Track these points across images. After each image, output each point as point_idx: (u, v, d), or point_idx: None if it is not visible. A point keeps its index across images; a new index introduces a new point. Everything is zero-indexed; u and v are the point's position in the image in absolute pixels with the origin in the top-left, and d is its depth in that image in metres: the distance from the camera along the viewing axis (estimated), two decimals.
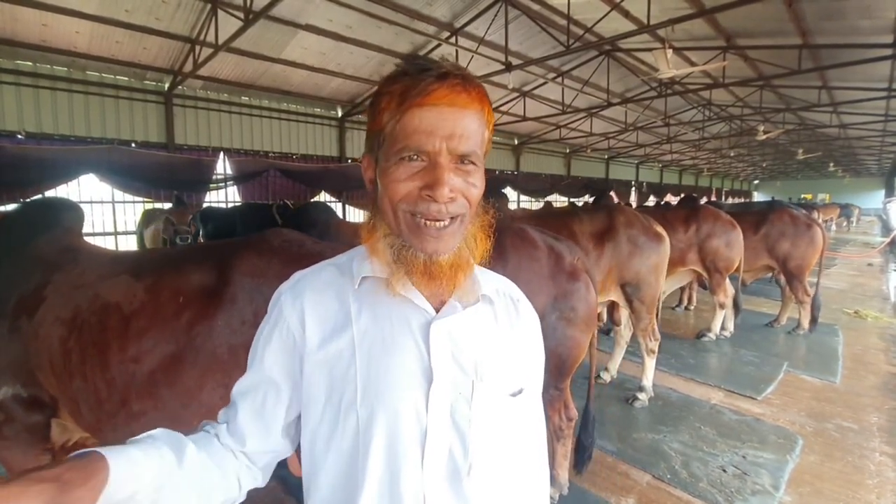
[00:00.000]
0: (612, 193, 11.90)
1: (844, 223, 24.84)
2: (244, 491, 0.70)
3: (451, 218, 0.64)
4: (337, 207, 10.10)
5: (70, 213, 1.97)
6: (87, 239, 2.00)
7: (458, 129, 0.62)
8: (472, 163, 0.65)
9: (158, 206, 7.62)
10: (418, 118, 0.62)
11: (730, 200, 30.96)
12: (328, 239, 3.43)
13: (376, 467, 0.63)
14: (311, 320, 0.69)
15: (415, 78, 0.62)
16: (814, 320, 5.33)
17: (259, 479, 0.73)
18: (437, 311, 0.69)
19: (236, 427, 0.70)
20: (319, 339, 0.69)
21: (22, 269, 1.70)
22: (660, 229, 3.62)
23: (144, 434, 0.60)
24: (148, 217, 6.62)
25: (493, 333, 0.73)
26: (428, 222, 0.63)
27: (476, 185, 0.66)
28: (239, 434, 0.70)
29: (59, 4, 5.88)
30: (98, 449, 0.52)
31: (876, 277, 9.60)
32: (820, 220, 6.99)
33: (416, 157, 0.63)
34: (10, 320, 1.60)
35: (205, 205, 8.26)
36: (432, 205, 0.62)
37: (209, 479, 0.64)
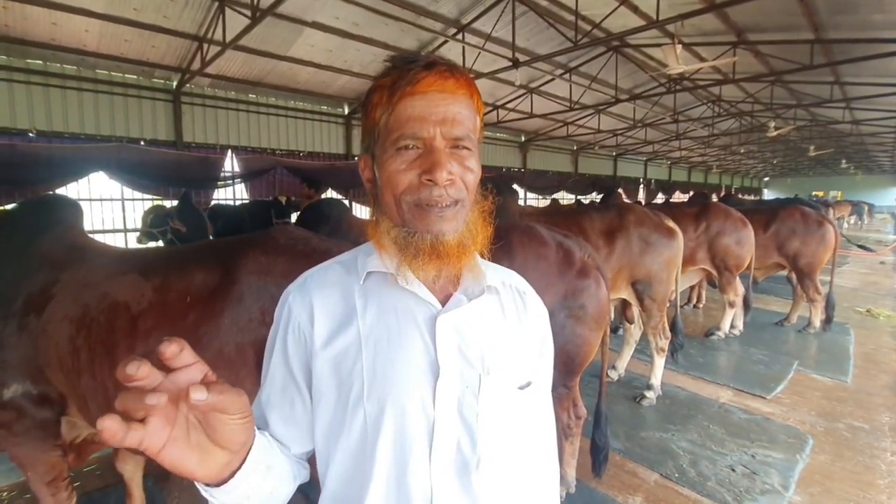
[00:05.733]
0: (620, 191, 11.78)
1: (857, 220, 24.55)
2: (297, 483, 0.72)
3: (453, 202, 0.64)
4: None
5: (71, 209, 1.98)
6: (96, 236, 2.00)
7: (449, 113, 0.63)
8: (467, 147, 0.65)
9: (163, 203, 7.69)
10: (410, 107, 0.63)
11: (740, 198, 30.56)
12: (340, 235, 3.42)
13: (384, 462, 0.63)
14: (320, 317, 0.69)
15: (403, 70, 0.64)
16: (828, 320, 5.27)
17: (308, 472, 0.75)
18: (443, 304, 0.68)
19: (275, 436, 0.71)
20: (327, 335, 0.68)
21: (28, 267, 1.70)
22: (672, 225, 3.58)
23: None
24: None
25: (500, 326, 0.72)
26: (430, 206, 0.64)
27: (472, 170, 0.66)
28: (280, 442, 0.71)
29: (68, 3, 5.91)
30: None
31: (888, 276, 9.48)
32: (833, 218, 6.90)
33: (411, 145, 0.64)
34: (19, 318, 1.61)
35: (213, 202, 8.31)
36: (434, 189, 0.63)
37: (290, 464, 0.68)
